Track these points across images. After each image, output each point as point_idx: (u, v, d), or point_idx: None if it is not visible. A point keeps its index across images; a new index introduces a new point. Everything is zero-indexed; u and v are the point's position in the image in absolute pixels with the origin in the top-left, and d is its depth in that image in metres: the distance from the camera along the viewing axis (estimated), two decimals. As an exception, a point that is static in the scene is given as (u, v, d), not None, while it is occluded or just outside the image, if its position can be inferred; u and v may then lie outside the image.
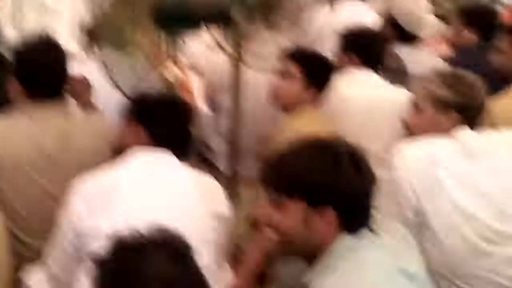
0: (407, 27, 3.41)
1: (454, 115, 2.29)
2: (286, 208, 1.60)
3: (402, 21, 3.42)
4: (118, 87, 2.53)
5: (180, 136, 2.23)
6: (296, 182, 1.59)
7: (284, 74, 2.77)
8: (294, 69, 2.76)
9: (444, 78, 2.33)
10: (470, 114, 2.29)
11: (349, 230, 1.60)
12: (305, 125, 2.67)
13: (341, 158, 1.59)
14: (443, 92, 2.30)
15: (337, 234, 1.59)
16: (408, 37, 3.46)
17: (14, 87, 2.45)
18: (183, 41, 2.84)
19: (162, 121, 2.19)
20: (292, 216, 1.60)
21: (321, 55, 2.82)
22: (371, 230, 1.63)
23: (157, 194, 2.06)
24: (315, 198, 1.58)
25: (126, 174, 2.08)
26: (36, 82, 2.43)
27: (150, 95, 2.34)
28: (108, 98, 2.78)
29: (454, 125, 2.28)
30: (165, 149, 2.16)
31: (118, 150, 2.24)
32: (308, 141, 1.68)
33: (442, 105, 2.31)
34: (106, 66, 2.45)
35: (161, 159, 2.14)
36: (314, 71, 2.76)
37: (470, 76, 2.33)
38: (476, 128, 2.29)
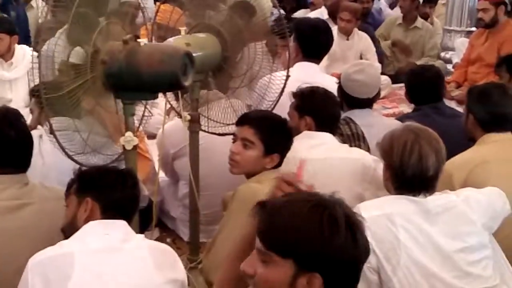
0: (356, 95, 3.44)
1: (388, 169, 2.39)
2: (274, 265, 1.55)
3: (347, 89, 3.45)
4: (69, 156, 2.50)
5: (131, 206, 2.24)
6: (291, 246, 1.54)
7: (243, 141, 2.73)
8: (253, 136, 2.71)
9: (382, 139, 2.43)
10: (401, 179, 2.33)
11: None
12: (267, 187, 2.66)
13: (339, 224, 1.54)
14: (380, 152, 2.44)
15: None
16: (358, 103, 3.48)
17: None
18: (147, 109, 2.85)
19: (111, 193, 2.19)
20: (278, 274, 1.55)
21: (280, 120, 2.80)
22: None
23: (113, 266, 2.04)
24: (307, 264, 1.54)
25: (81, 251, 2.05)
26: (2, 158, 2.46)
27: (96, 168, 2.34)
28: (62, 168, 2.76)
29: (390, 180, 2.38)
30: (118, 220, 2.15)
31: (69, 228, 2.21)
32: (306, 196, 1.64)
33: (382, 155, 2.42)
34: (51, 133, 2.42)
35: (115, 231, 2.13)
36: (274, 137, 2.72)
37: (404, 134, 2.36)
38: (420, 192, 2.32)
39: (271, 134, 2.70)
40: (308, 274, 1.54)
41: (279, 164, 2.76)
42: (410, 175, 2.29)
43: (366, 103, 3.49)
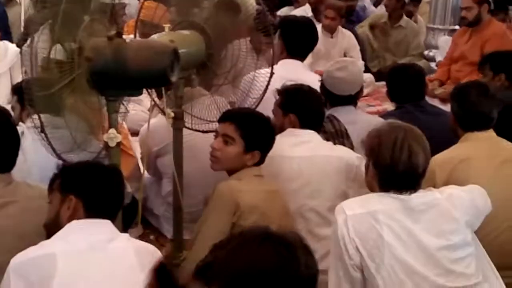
0: (337, 92, 3.44)
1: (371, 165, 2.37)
2: None
3: (329, 86, 3.45)
4: (57, 155, 2.49)
5: (115, 203, 2.22)
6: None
7: (224, 137, 2.74)
8: (234, 132, 2.72)
9: (366, 137, 2.42)
10: (387, 175, 2.33)
11: None
12: (246, 185, 2.67)
13: (295, 247, 1.51)
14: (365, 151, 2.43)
15: None
16: (340, 100, 3.49)
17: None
18: (123, 105, 2.83)
19: (96, 190, 2.17)
20: None
21: (262, 117, 2.80)
22: None
23: (98, 267, 2.02)
24: None
25: (64, 251, 2.03)
26: None
27: (80, 164, 2.31)
28: (44, 164, 2.74)
29: (374, 177, 2.36)
30: (102, 219, 2.13)
31: (51, 225, 2.19)
32: (249, 233, 1.56)
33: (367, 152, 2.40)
34: (41, 132, 2.40)
35: (99, 230, 2.11)
36: (255, 134, 2.72)
37: (393, 131, 2.35)
38: (407, 189, 2.32)
39: (252, 131, 2.71)
40: None
41: (260, 162, 2.76)
42: (400, 172, 2.29)
43: (348, 100, 3.50)
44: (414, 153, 2.29)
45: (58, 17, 2.35)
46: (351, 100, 3.52)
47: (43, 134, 2.40)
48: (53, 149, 2.46)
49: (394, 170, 2.29)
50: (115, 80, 2.38)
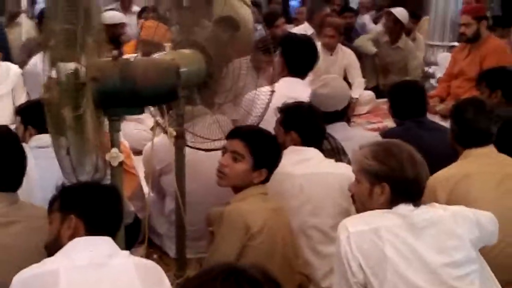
0: (324, 109, 3.45)
1: (387, 187, 2.32)
2: None
3: (316, 104, 3.46)
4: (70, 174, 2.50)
5: (115, 221, 2.24)
6: None
7: (233, 154, 2.74)
8: (243, 149, 2.72)
9: (375, 151, 2.37)
10: (402, 187, 2.31)
11: None
12: (251, 204, 2.67)
13: (260, 282, 1.44)
14: (373, 164, 2.34)
15: None
16: (329, 117, 3.49)
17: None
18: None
19: (96, 209, 2.19)
20: None
21: (270, 135, 2.81)
22: None
23: (99, 283, 2.03)
24: None
25: (66, 267, 2.03)
26: None
27: (79, 184, 2.32)
28: (46, 184, 2.75)
29: (388, 197, 2.32)
30: (103, 236, 2.15)
31: (52, 245, 2.20)
32: (211, 270, 1.48)
33: (373, 176, 2.34)
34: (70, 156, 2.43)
35: (101, 247, 2.12)
36: (264, 152, 2.73)
37: (402, 149, 2.35)
38: (416, 200, 2.32)
39: (261, 149, 2.72)
40: None
41: (266, 180, 2.77)
42: (411, 180, 2.29)
43: (337, 117, 3.51)
44: (420, 164, 2.32)
45: (59, 38, 2.37)
46: (340, 116, 3.54)
47: (69, 156, 2.42)
48: (73, 169, 2.47)
49: (405, 178, 2.30)
50: (123, 99, 2.40)
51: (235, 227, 2.59)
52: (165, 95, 2.45)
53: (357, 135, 3.49)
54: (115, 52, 2.39)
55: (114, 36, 5.53)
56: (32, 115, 3.20)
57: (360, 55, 6.53)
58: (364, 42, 6.91)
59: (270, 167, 2.74)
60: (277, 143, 2.82)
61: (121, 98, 2.39)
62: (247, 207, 2.64)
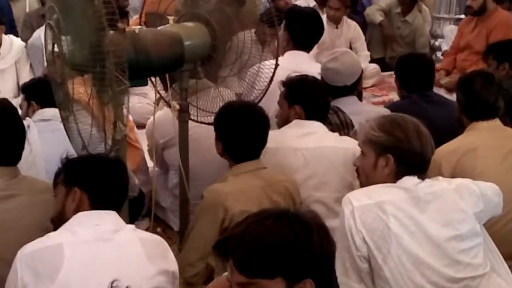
0: (332, 83, 3.43)
1: (391, 159, 2.31)
2: None
3: (325, 78, 3.44)
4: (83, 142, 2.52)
5: (120, 195, 2.23)
6: (276, 265, 1.53)
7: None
8: None
9: (381, 123, 2.36)
10: (407, 159, 2.30)
11: None
12: (235, 185, 2.65)
13: (310, 226, 1.56)
14: (379, 135, 2.33)
15: None
16: (338, 92, 3.47)
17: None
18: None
19: (100, 182, 2.18)
20: None
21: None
22: None
23: (104, 257, 2.03)
24: (296, 275, 1.54)
25: (71, 242, 2.04)
26: None
27: (83, 157, 2.33)
28: (49, 156, 2.79)
29: (392, 169, 2.31)
30: (108, 210, 2.14)
31: (58, 218, 2.20)
32: (261, 215, 1.61)
33: (379, 147, 2.33)
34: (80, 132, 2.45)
35: (105, 221, 2.12)
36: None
37: (408, 121, 2.35)
38: (421, 173, 2.32)
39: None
40: (299, 284, 1.55)
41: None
42: (416, 152, 2.29)
43: (345, 91, 3.48)
44: (426, 136, 2.32)
45: (63, 11, 2.35)
46: (349, 91, 3.51)
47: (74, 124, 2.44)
48: (82, 139, 2.48)
49: (423, 156, 2.30)
50: (137, 69, 2.40)
51: (209, 209, 2.59)
52: (174, 63, 2.62)
53: (367, 110, 3.46)
54: (121, 25, 2.37)
55: (119, 7, 5.50)
56: (35, 91, 3.22)
57: (367, 25, 6.48)
58: (373, 11, 6.89)
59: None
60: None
61: (136, 68, 2.41)
62: (227, 188, 2.62)
